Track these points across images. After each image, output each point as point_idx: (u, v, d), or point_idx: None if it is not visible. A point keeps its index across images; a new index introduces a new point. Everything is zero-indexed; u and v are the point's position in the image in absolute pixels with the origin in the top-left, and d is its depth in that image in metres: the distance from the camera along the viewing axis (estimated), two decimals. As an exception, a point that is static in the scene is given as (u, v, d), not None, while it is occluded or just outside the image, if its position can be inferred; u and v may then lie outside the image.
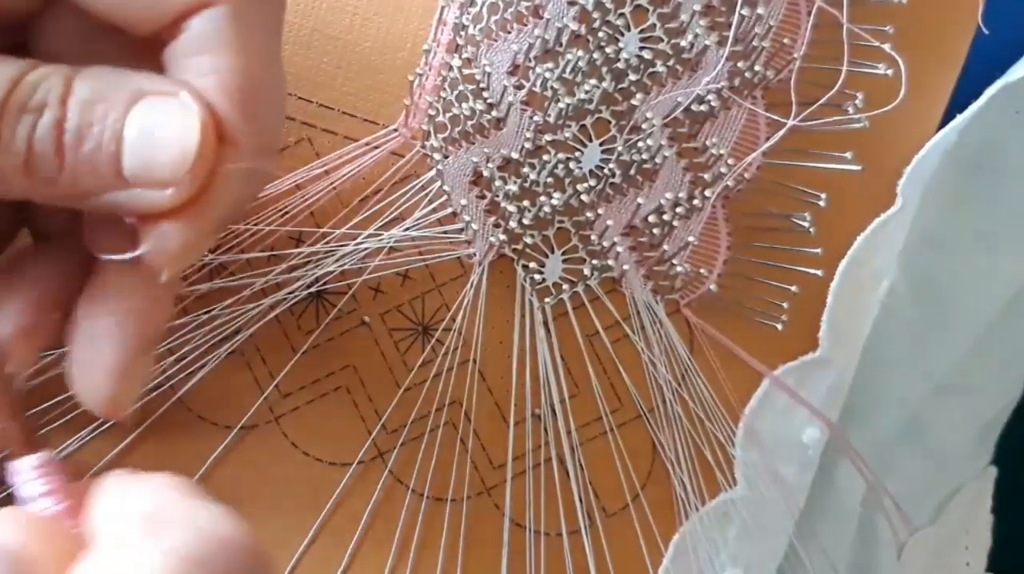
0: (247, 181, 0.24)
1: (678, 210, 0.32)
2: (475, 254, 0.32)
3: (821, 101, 0.30)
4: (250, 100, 0.23)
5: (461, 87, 0.32)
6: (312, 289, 0.32)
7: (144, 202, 0.22)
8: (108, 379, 0.25)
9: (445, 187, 0.32)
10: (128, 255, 0.23)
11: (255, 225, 0.31)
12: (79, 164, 0.22)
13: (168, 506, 0.22)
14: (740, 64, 0.32)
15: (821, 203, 0.32)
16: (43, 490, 0.23)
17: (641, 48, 0.32)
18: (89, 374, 0.25)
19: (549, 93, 0.31)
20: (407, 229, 0.32)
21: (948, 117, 0.32)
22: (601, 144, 0.32)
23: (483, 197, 0.32)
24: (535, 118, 0.32)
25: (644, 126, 0.32)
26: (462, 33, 0.32)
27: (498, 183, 0.32)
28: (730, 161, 0.32)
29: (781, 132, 0.30)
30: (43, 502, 0.23)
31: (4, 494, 0.25)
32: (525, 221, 0.32)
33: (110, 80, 0.22)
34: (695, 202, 0.32)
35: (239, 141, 0.23)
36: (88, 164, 0.22)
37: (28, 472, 0.23)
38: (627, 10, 0.31)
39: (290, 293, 0.32)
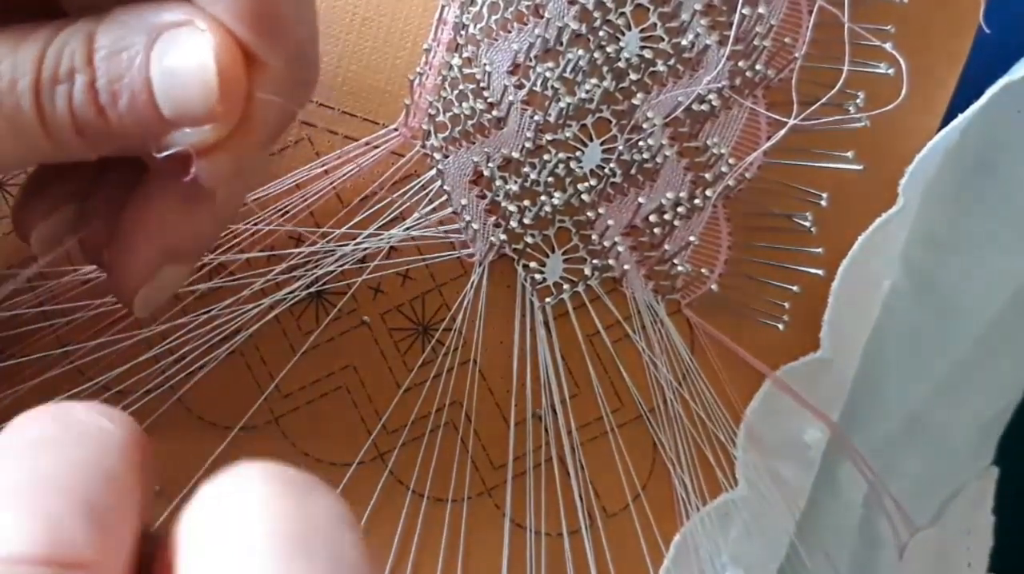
0: (289, 98, 0.23)
1: (679, 210, 0.32)
2: (475, 254, 0.32)
3: (822, 100, 0.30)
4: (268, 21, 0.22)
5: (461, 86, 0.32)
6: (312, 289, 0.32)
7: (193, 141, 0.22)
8: (139, 277, 0.25)
9: (445, 187, 0.32)
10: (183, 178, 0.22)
11: (255, 225, 0.31)
12: (123, 118, 0.22)
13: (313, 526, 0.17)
14: (741, 63, 0.32)
15: (822, 203, 0.32)
16: None
17: (642, 47, 0.31)
18: (124, 268, 0.25)
19: (550, 92, 0.31)
20: (407, 229, 0.32)
21: (950, 116, 0.32)
22: (602, 143, 0.32)
23: (483, 197, 0.32)
24: (536, 117, 0.32)
25: (645, 125, 0.32)
26: (462, 32, 0.32)
27: (498, 183, 0.32)
28: (731, 160, 0.32)
29: (782, 131, 0.30)
30: None
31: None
32: (526, 221, 0.32)
33: (128, 24, 0.22)
34: (696, 202, 0.32)
35: (267, 63, 0.22)
36: (130, 116, 0.22)
37: None
38: (628, 9, 0.31)
39: (290, 293, 0.32)
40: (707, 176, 0.32)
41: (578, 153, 0.32)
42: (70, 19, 0.22)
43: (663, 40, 0.32)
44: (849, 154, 0.32)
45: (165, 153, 0.22)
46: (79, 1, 0.23)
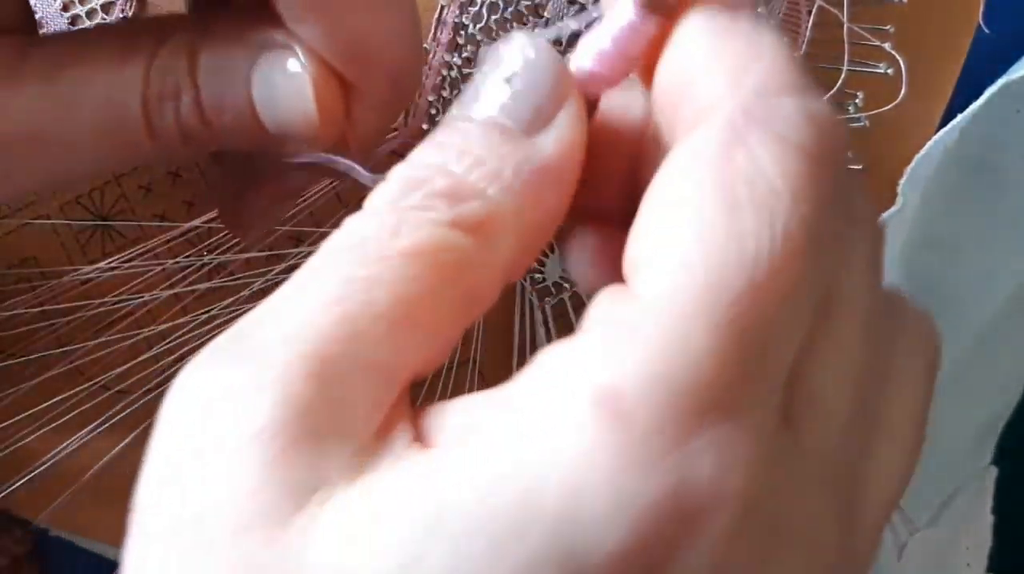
0: (385, 115, 0.24)
1: (678, 210, 0.32)
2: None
3: (822, 100, 0.30)
4: (362, 55, 0.22)
5: (461, 87, 0.32)
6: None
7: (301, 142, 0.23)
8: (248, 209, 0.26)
9: (445, 187, 0.32)
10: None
11: (255, 225, 0.31)
12: (227, 130, 0.23)
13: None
14: (740, 63, 0.32)
15: (822, 203, 0.32)
16: None
17: (641, 47, 0.31)
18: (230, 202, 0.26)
19: (549, 92, 0.31)
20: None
21: (949, 116, 0.32)
22: (601, 144, 0.32)
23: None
24: (535, 118, 0.31)
25: (644, 126, 0.32)
26: (462, 32, 0.32)
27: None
28: (730, 161, 0.32)
29: (781, 132, 0.30)
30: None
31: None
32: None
33: (229, 43, 0.23)
34: (695, 202, 0.32)
35: (362, 89, 0.23)
36: (234, 129, 0.23)
37: None
38: (627, 9, 0.31)
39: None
40: (707, 176, 0.32)
41: (578, 153, 0.32)
42: (167, 30, 0.23)
43: (663, 40, 0.32)
44: (848, 154, 0.32)
45: (298, 160, 0.23)
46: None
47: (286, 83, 0.22)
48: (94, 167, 0.24)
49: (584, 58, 0.19)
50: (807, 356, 0.16)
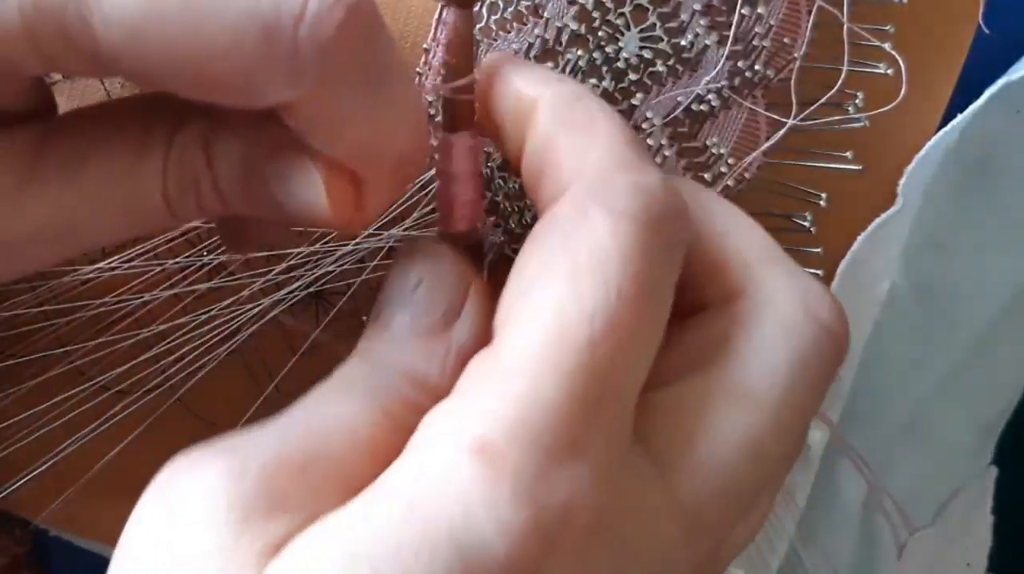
0: (392, 196, 0.25)
1: (678, 210, 0.32)
2: (475, 254, 0.32)
3: (821, 101, 0.30)
4: (368, 155, 0.22)
5: (461, 87, 0.32)
6: (311, 289, 0.32)
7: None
8: None
9: (445, 187, 0.32)
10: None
11: (255, 225, 0.31)
12: (244, 203, 0.23)
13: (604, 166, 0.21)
14: (740, 63, 0.32)
15: (822, 203, 0.32)
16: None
17: (641, 47, 0.31)
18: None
19: (549, 93, 0.31)
20: (407, 229, 0.32)
21: (949, 116, 0.32)
22: (601, 144, 0.32)
23: (483, 196, 0.32)
24: (535, 118, 0.32)
25: (644, 126, 0.32)
26: (462, 33, 0.32)
27: (498, 182, 0.32)
28: (730, 161, 0.32)
29: (781, 132, 0.30)
30: None
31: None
32: (525, 221, 0.32)
33: (244, 139, 0.23)
34: (695, 202, 0.32)
35: (370, 181, 0.23)
36: (254, 209, 0.23)
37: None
38: (627, 9, 0.31)
39: (290, 293, 0.32)
40: (706, 176, 0.32)
41: (577, 153, 0.32)
42: (179, 116, 0.23)
43: (662, 40, 0.32)
44: (848, 154, 0.32)
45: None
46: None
47: (301, 183, 0.23)
48: (109, 243, 0.26)
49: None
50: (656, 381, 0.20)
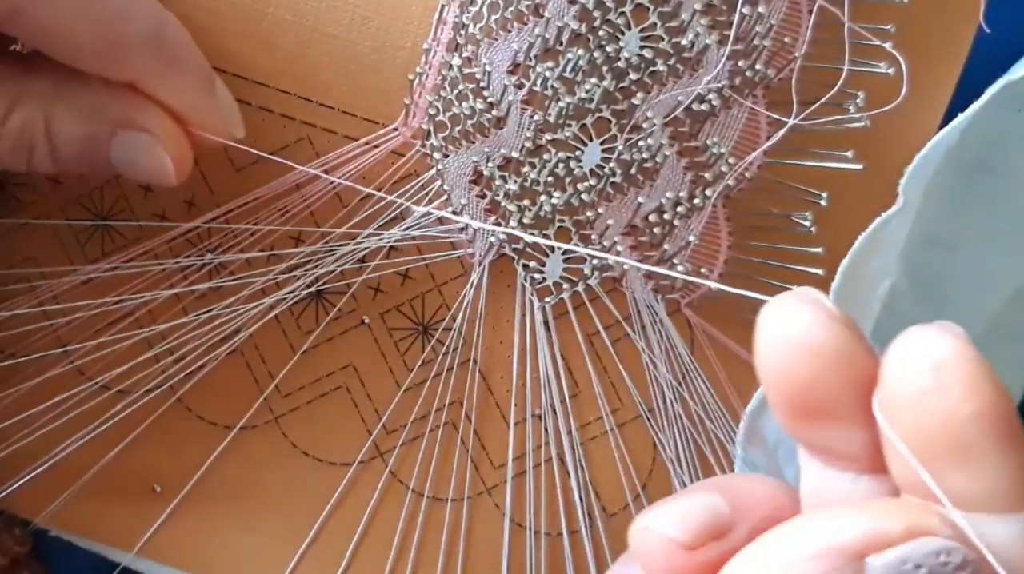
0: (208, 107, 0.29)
1: (679, 209, 0.32)
2: (475, 253, 0.32)
3: (822, 100, 0.30)
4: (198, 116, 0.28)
5: (461, 86, 0.32)
6: (312, 289, 0.32)
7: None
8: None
9: (445, 186, 0.32)
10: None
11: (255, 225, 0.31)
12: (80, 169, 0.27)
13: None
14: (741, 63, 0.32)
15: (822, 202, 0.32)
16: None
17: (642, 47, 0.31)
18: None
19: (549, 92, 0.31)
20: (407, 229, 0.32)
21: (949, 116, 0.32)
22: (601, 143, 0.32)
23: (483, 196, 0.32)
24: (535, 117, 0.32)
25: (645, 125, 0.32)
26: (462, 32, 0.32)
27: (498, 182, 0.32)
28: (731, 160, 0.32)
29: (782, 131, 0.30)
30: None
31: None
32: (525, 220, 0.32)
33: (86, 117, 0.26)
34: (696, 201, 0.32)
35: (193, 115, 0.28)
36: (88, 170, 0.27)
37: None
38: (628, 9, 0.31)
39: (290, 293, 0.32)
40: (707, 176, 0.32)
41: (578, 153, 0.32)
42: (18, 89, 0.26)
43: (663, 40, 0.32)
44: (849, 154, 0.32)
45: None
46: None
47: (146, 156, 0.27)
48: None
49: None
50: None
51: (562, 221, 0.32)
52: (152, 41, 0.26)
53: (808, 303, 0.18)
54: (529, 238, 0.29)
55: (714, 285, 0.22)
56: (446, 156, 0.32)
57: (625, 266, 0.32)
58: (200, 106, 0.28)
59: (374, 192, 0.30)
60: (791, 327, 0.18)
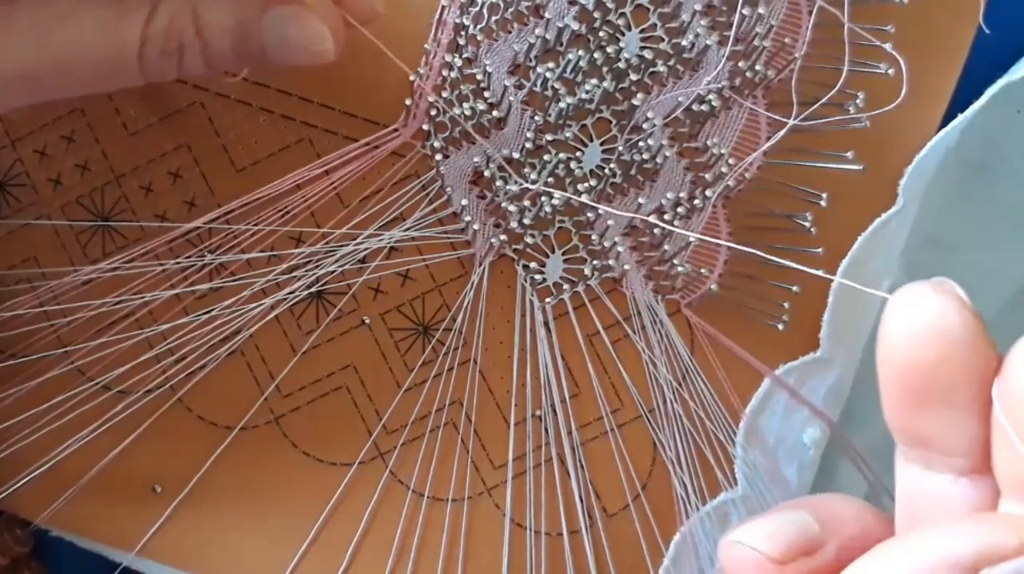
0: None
1: (679, 210, 0.32)
2: (476, 254, 0.32)
3: (822, 101, 0.30)
4: None
5: (462, 87, 0.32)
6: (312, 289, 0.32)
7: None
8: None
9: (445, 187, 0.32)
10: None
11: (255, 225, 0.31)
12: (231, 64, 0.26)
13: None
14: (741, 64, 0.32)
15: (822, 203, 0.32)
16: None
17: (642, 48, 0.31)
18: None
19: (550, 93, 0.31)
20: (407, 229, 0.32)
21: (949, 116, 0.32)
22: (602, 144, 0.32)
23: (484, 197, 0.32)
24: (536, 118, 0.32)
25: (645, 126, 0.32)
26: (463, 33, 0.32)
27: (499, 183, 0.32)
28: (731, 161, 0.32)
29: (782, 132, 0.30)
30: None
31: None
32: (526, 221, 0.32)
33: (239, 8, 0.25)
34: (696, 202, 0.32)
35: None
36: (240, 63, 0.26)
37: None
38: (628, 10, 0.31)
39: (290, 293, 0.32)
40: (707, 176, 0.32)
41: (578, 153, 0.32)
42: None
43: (663, 40, 0.32)
44: (849, 154, 0.32)
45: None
46: None
47: (300, 32, 0.25)
48: (79, 94, 0.27)
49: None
50: None
51: (562, 222, 0.32)
52: None
53: (942, 290, 0.18)
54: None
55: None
56: (447, 157, 0.32)
57: (626, 266, 0.32)
58: None
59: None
60: (922, 309, 0.18)
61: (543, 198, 0.32)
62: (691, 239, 0.32)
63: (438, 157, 0.32)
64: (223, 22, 0.25)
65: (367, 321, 0.32)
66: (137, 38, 0.24)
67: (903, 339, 0.18)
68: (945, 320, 0.18)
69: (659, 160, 0.32)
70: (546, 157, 0.32)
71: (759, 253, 0.25)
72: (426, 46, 0.32)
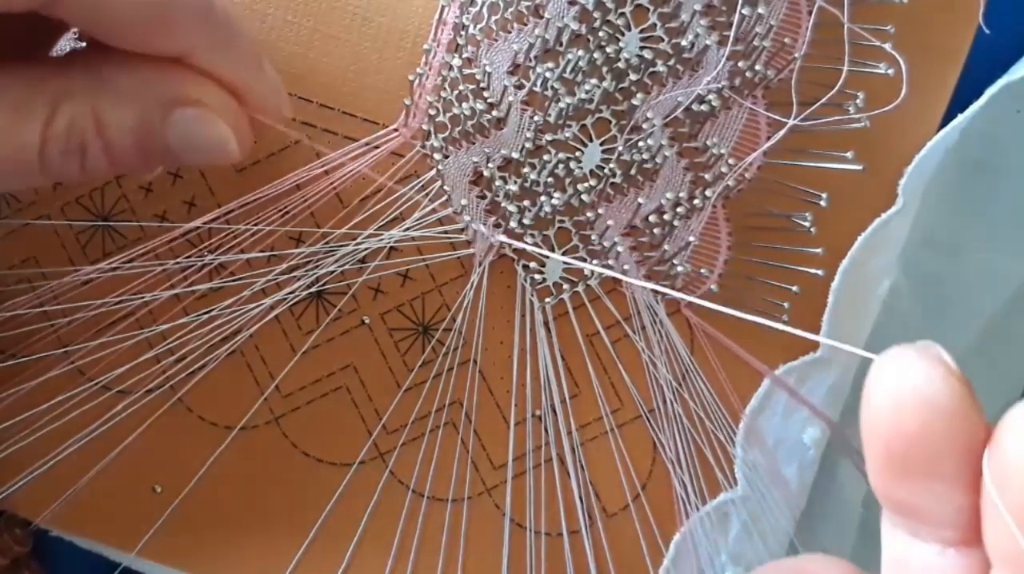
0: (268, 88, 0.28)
1: (679, 210, 0.32)
2: (475, 254, 0.32)
3: (822, 101, 0.30)
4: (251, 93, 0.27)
5: (461, 87, 0.32)
6: (312, 289, 0.32)
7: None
8: None
9: (445, 187, 0.32)
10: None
11: (255, 225, 0.31)
12: (138, 163, 0.26)
13: None
14: (741, 64, 0.32)
15: (822, 203, 0.32)
16: None
17: (642, 48, 0.31)
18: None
19: (549, 93, 0.31)
20: (407, 229, 0.32)
21: (949, 116, 0.32)
22: (601, 144, 0.32)
23: (483, 197, 0.32)
24: (535, 118, 0.32)
25: (645, 126, 0.32)
26: (462, 33, 0.32)
27: (498, 183, 0.32)
28: (731, 161, 0.32)
29: (782, 132, 0.30)
30: None
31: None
32: (525, 221, 0.32)
33: (138, 101, 0.25)
34: (696, 202, 0.32)
35: (251, 91, 0.27)
36: (146, 162, 0.26)
37: None
38: (628, 9, 0.31)
39: (290, 293, 0.32)
40: (707, 176, 0.32)
41: (578, 153, 0.32)
42: (63, 85, 0.24)
43: (663, 40, 0.32)
44: (849, 154, 0.32)
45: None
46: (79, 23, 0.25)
47: (204, 134, 0.25)
48: None
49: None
50: None
51: (562, 222, 0.32)
52: (201, 10, 0.25)
53: (928, 356, 0.17)
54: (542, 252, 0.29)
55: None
56: (446, 157, 0.32)
57: (625, 266, 0.32)
58: (251, 79, 0.27)
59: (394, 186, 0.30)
60: (907, 376, 0.17)
61: (543, 198, 0.32)
62: (691, 239, 0.32)
63: (437, 157, 0.32)
64: (124, 122, 0.25)
65: (367, 321, 0.32)
66: (37, 139, 0.24)
67: (887, 406, 0.17)
68: (930, 388, 0.17)
69: (659, 160, 0.32)
70: (546, 157, 0.32)
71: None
72: (425, 46, 0.32)
